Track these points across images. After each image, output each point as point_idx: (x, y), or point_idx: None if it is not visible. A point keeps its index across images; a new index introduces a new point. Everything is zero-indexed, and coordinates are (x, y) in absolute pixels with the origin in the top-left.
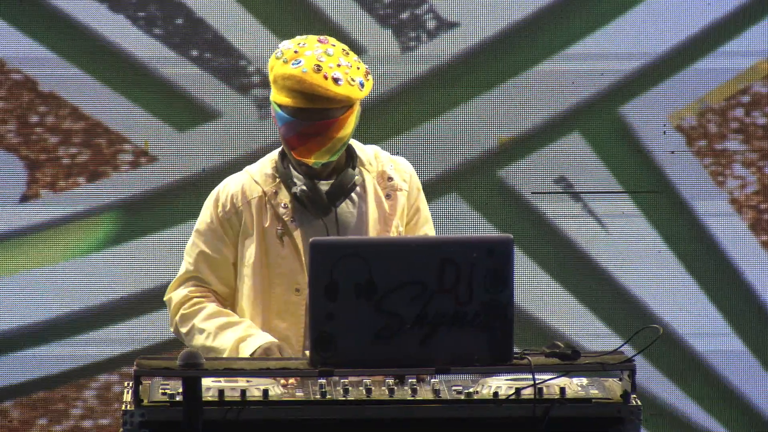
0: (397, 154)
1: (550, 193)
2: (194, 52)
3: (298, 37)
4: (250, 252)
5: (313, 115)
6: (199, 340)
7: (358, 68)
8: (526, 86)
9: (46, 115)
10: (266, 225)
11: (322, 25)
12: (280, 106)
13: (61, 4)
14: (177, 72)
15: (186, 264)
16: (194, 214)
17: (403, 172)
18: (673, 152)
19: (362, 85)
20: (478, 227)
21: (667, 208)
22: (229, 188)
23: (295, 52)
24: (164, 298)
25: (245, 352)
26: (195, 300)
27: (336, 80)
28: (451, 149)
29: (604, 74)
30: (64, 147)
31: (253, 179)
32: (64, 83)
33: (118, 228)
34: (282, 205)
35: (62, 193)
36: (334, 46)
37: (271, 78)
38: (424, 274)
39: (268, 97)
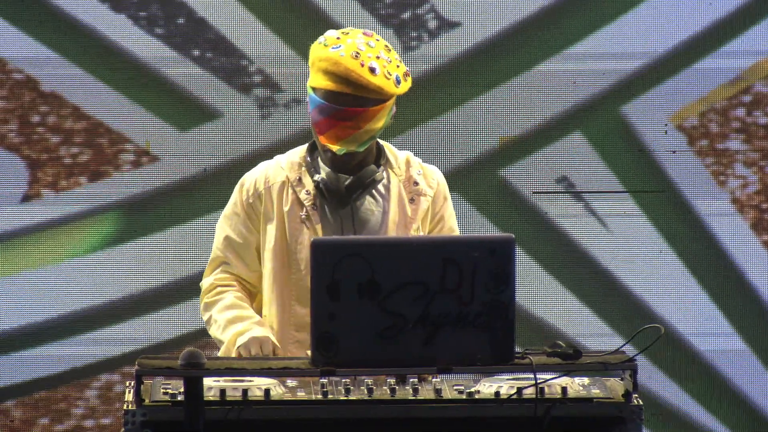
0: None
1: (551, 192)
2: (196, 52)
3: (344, 29)
4: (271, 236)
5: (345, 100)
6: (213, 331)
7: (398, 66)
8: (528, 86)
9: (47, 114)
10: (286, 209)
11: (323, 24)
12: (314, 89)
13: (62, 3)
14: (178, 72)
15: (214, 249)
16: (196, 214)
17: (431, 179)
18: (674, 152)
19: (398, 81)
20: (479, 227)
21: (669, 207)
22: (254, 174)
23: (338, 38)
24: (200, 284)
25: (238, 344)
26: (218, 289)
27: (372, 70)
28: (453, 149)
29: (606, 74)
30: (66, 147)
31: (279, 165)
32: (66, 83)
33: (119, 228)
34: (305, 191)
35: (64, 193)
36: (378, 40)
37: (310, 62)
38: (427, 274)
39: (269, 97)
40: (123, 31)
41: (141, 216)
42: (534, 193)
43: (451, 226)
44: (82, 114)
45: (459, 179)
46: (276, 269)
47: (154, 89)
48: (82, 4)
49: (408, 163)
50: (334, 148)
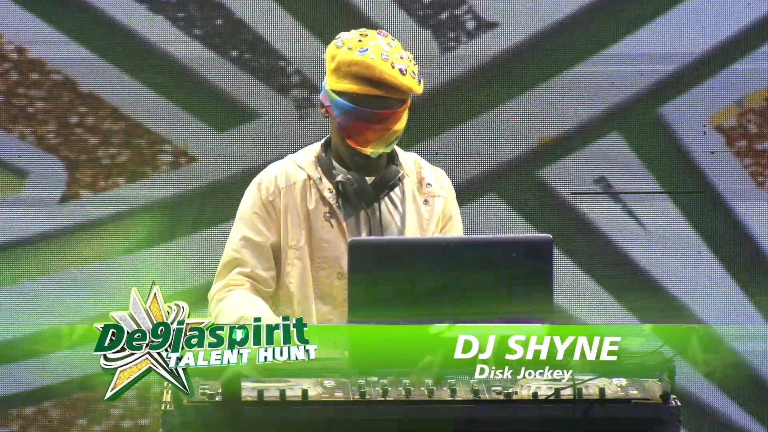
0: (437, 153)
1: (589, 193)
2: (234, 53)
3: (356, 30)
4: (297, 234)
5: (375, 103)
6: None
7: (415, 65)
8: (566, 87)
9: (86, 115)
10: (311, 207)
11: (361, 25)
12: (340, 93)
13: (100, 4)
14: (216, 73)
15: (227, 253)
16: (234, 214)
17: (441, 180)
18: (713, 152)
19: (419, 80)
20: (517, 227)
21: (707, 208)
22: (271, 172)
23: (359, 41)
24: (208, 296)
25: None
26: (231, 286)
27: (401, 71)
28: (491, 149)
29: (644, 75)
30: (104, 147)
31: (296, 164)
32: (104, 84)
33: (157, 228)
34: (327, 189)
35: (102, 194)
36: (394, 40)
37: (331, 66)
38: (464, 274)
39: (308, 98)
40: (161, 32)
41: (179, 216)
42: (572, 194)
43: (459, 226)
44: (121, 115)
45: (497, 180)
46: (305, 267)
47: (192, 90)
48: (120, 5)
49: (417, 165)
50: (367, 151)
